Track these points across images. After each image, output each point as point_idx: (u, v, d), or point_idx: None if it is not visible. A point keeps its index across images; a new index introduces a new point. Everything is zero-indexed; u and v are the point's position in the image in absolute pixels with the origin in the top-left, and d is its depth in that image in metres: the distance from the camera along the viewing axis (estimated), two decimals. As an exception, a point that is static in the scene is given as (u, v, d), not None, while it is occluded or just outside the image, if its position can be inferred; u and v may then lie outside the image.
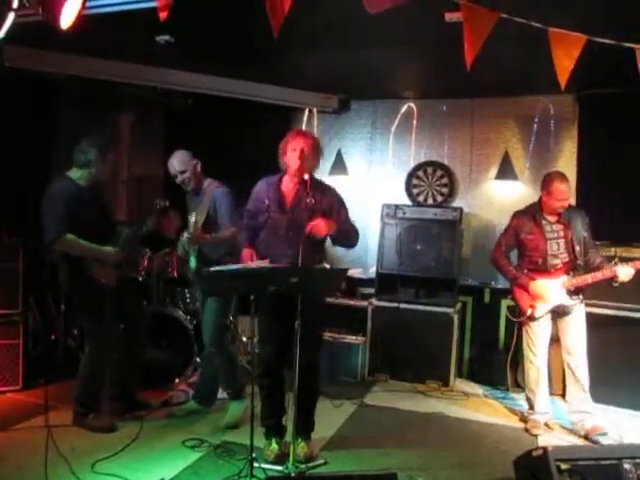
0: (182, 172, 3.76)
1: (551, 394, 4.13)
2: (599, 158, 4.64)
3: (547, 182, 3.78)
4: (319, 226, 3.07)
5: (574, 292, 3.75)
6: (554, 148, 5.06)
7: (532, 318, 3.85)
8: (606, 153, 4.58)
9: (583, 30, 2.28)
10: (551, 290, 3.76)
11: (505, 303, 5.16)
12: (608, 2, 2.86)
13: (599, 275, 3.65)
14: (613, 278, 3.62)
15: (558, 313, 3.85)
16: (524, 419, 4.06)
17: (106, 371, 3.67)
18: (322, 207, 3.21)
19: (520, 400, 4.53)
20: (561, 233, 3.80)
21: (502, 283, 5.17)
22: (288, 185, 3.27)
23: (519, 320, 3.95)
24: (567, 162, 5.01)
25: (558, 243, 3.79)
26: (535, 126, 5.08)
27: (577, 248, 3.74)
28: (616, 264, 3.65)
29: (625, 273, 3.58)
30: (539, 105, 5.04)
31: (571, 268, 3.75)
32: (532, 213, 3.88)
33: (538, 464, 2.52)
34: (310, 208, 3.13)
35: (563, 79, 2.32)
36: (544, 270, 3.80)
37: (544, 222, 3.82)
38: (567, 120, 5.00)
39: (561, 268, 3.77)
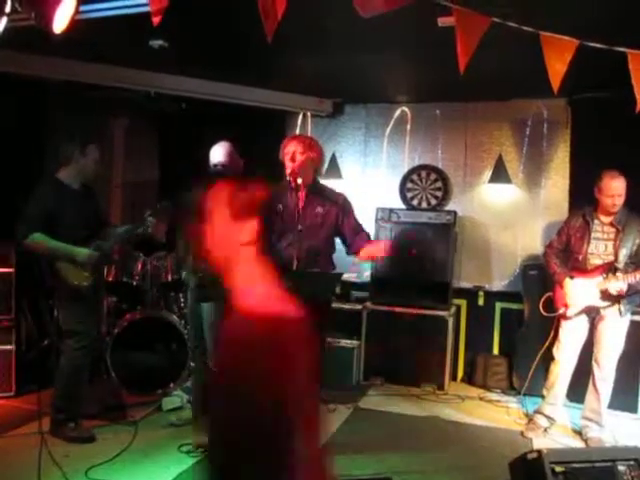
0: (223, 165, 3.64)
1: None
2: (592, 161, 4.66)
3: (599, 179, 3.69)
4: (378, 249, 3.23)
5: (608, 296, 3.66)
6: (547, 151, 5.08)
7: (564, 317, 3.81)
8: (599, 156, 4.60)
9: (575, 34, 2.29)
10: (584, 290, 3.70)
11: (499, 306, 5.19)
12: (600, 6, 2.87)
13: (631, 278, 3.55)
14: None
15: (594, 319, 3.78)
16: (529, 417, 4.08)
17: (84, 375, 3.60)
18: (327, 214, 3.28)
19: (514, 403, 4.55)
20: (611, 235, 3.70)
21: (496, 286, 5.21)
22: (296, 193, 3.27)
23: (551, 315, 3.92)
24: (560, 165, 5.04)
25: (606, 245, 3.71)
26: (528, 130, 5.09)
27: (623, 253, 3.63)
28: None
29: None
30: (532, 109, 5.06)
31: (609, 270, 3.65)
32: (584, 211, 3.82)
33: (533, 467, 2.53)
34: (319, 218, 3.22)
35: (555, 83, 2.33)
36: (584, 269, 3.74)
37: (596, 222, 3.74)
38: (560, 123, 5.02)
39: (599, 268, 3.68)
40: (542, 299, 4.00)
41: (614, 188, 3.62)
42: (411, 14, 2.43)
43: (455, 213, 5.03)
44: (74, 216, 3.50)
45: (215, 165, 3.69)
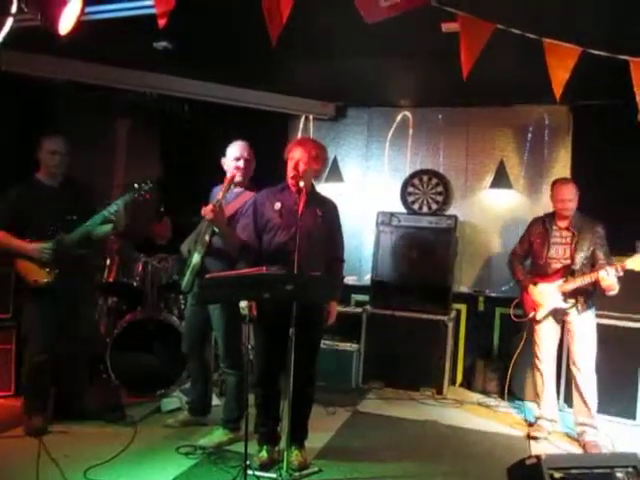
0: (246, 160, 3.61)
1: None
2: (593, 168, 4.68)
3: (551, 187, 3.95)
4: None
5: (569, 296, 3.79)
6: (549, 157, 5.09)
7: (534, 321, 3.94)
8: (600, 163, 4.61)
9: (578, 41, 2.31)
10: (547, 294, 3.85)
11: (499, 311, 5.19)
12: (603, 14, 2.89)
13: (587, 279, 3.67)
14: (598, 281, 3.61)
15: (563, 321, 3.89)
16: (532, 423, 4.10)
17: (44, 376, 3.57)
18: (324, 216, 3.30)
19: (513, 408, 4.55)
20: (568, 239, 3.85)
21: (496, 291, 5.21)
22: (297, 195, 3.25)
23: (521, 321, 4.06)
24: (561, 171, 5.03)
25: (565, 249, 3.85)
26: (530, 135, 5.11)
27: (580, 255, 3.77)
28: (601, 268, 3.63)
29: (606, 275, 3.56)
30: (534, 115, 5.08)
31: (567, 273, 3.79)
32: (544, 218, 4.00)
33: (531, 472, 2.52)
34: (319, 219, 3.24)
35: (558, 90, 2.35)
36: (545, 274, 3.89)
37: (554, 227, 3.90)
38: (562, 130, 5.04)
39: (558, 272, 3.83)
40: (512, 304, 4.16)
41: (564, 193, 3.82)
42: (415, 19, 2.44)
43: (456, 218, 5.04)
44: (46, 214, 3.49)
45: (237, 158, 3.62)
